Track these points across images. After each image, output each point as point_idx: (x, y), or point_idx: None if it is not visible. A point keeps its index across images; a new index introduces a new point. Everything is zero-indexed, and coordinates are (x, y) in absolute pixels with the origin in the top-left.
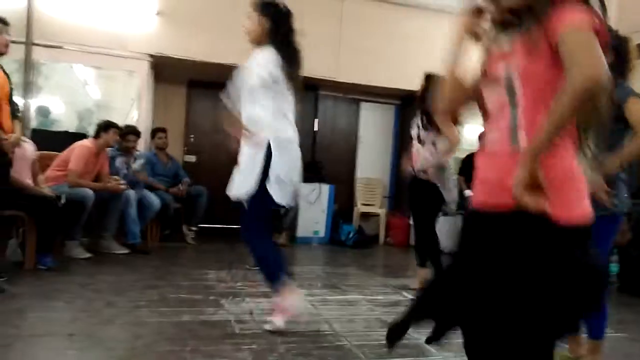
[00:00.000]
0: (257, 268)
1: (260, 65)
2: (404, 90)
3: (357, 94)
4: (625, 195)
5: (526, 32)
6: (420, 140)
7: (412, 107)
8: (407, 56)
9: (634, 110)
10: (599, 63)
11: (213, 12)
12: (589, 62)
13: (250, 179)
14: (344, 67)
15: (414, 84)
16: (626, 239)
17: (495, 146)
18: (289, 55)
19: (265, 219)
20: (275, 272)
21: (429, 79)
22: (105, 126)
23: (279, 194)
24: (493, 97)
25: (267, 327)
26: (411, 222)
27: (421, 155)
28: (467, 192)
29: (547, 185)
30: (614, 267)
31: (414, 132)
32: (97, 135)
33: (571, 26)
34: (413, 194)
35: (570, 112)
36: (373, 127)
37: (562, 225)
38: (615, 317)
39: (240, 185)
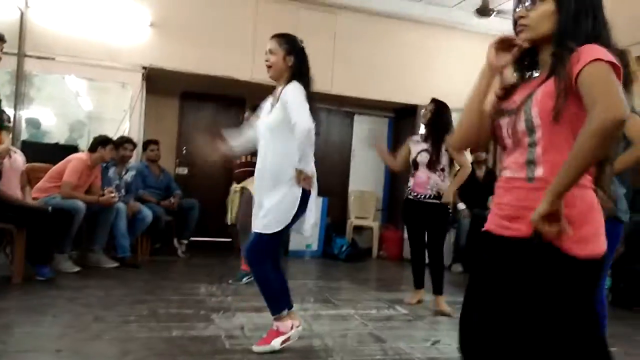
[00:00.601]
0: (240, 282)
1: (303, 107)
2: (398, 103)
3: (350, 106)
4: (625, 205)
5: (548, 71)
6: (430, 166)
7: (406, 120)
8: (400, 69)
9: (631, 125)
10: (619, 101)
11: (206, 24)
12: (610, 102)
13: (286, 216)
14: (337, 79)
15: (408, 97)
16: (619, 252)
17: (511, 176)
18: (310, 91)
19: (276, 247)
20: (276, 297)
21: (437, 104)
22: (104, 141)
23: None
24: (510, 130)
25: (255, 349)
26: (405, 236)
27: (432, 180)
28: (460, 206)
29: (568, 221)
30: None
31: (421, 157)
32: (93, 149)
33: (590, 60)
34: (419, 218)
35: (593, 152)
36: (366, 140)
37: (578, 259)
38: (607, 331)
39: (273, 221)
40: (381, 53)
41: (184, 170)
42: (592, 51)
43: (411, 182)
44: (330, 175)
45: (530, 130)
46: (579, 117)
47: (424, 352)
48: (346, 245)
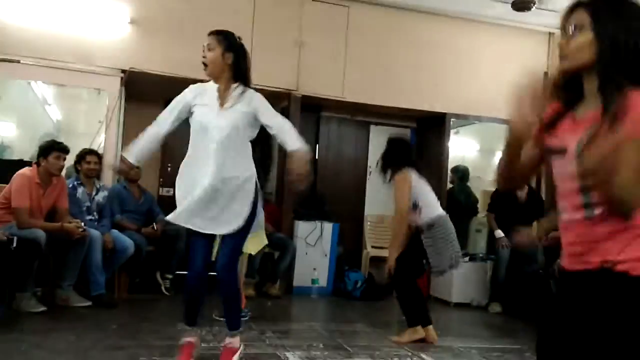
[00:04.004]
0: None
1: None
2: (421, 111)
3: (366, 115)
4: None
5: (600, 110)
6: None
7: (431, 131)
8: (424, 71)
9: None
10: None
11: (194, 21)
12: None
13: (251, 223)
14: (350, 84)
15: (433, 103)
16: None
17: (570, 219)
18: None
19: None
20: (239, 310)
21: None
22: (46, 149)
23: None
24: (566, 174)
25: None
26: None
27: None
28: (498, 233)
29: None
30: None
31: None
32: (37, 162)
33: None
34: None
35: None
36: None
37: None
38: None
39: (234, 220)
40: (401, 53)
41: (168, 191)
42: None
43: None
44: (343, 196)
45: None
46: None
47: None
48: (362, 281)
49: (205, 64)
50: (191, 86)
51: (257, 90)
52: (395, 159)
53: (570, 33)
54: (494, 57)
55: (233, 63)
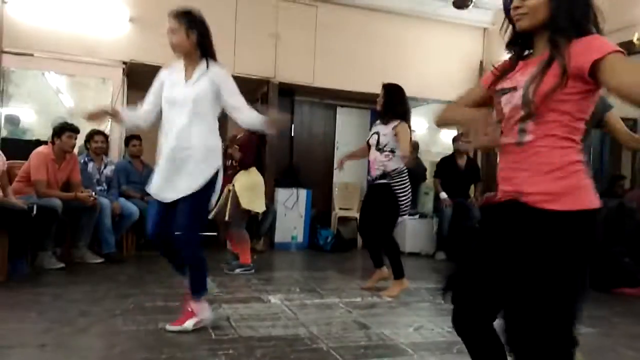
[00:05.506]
0: (233, 272)
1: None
2: (378, 95)
3: (333, 99)
4: None
5: (547, 54)
6: (379, 148)
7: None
8: (381, 61)
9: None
10: None
11: None
12: None
13: (216, 192)
14: (319, 72)
15: None
16: None
17: (505, 142)
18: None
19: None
20: (204, 278)
21: (387, 88)
22: (59, 130)
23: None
24: (509, 105)
25: (169, 328)
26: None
27: (378, 161)
28: (442, 195)
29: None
30: None
31: (372, 139)
32: (52, 141)
33: (609, 52)
34: (370, 199)
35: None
36: (349, 132)
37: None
38: (584, 313)
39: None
40: (361, 45)
41: None
42: (605, 43)
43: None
44: (314, 167)
45: (526, 105)
46: (563, 100)
47: (407, 337)
48: (331, 237)
49: (173, 47)
50: (163, 67)
51: (239, 78)
52: (398, 106)
53: None
54: (438, 49)
55: (198, 41)
